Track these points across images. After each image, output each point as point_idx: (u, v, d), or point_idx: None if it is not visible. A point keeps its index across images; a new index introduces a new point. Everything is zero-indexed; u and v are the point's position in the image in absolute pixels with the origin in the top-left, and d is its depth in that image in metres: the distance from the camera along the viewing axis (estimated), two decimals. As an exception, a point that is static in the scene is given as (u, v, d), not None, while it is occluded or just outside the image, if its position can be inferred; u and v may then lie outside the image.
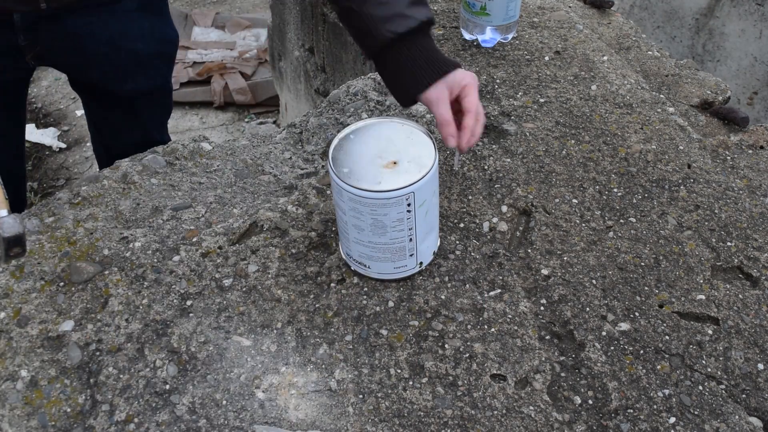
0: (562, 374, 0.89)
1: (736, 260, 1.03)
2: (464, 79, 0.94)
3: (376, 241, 0.90)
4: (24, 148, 1.46)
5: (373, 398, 0.85)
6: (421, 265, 0.97)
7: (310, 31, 2.03)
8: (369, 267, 0.95)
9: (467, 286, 0.98)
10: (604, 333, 0.93)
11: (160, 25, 1.33)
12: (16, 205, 1.41)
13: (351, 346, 0.91)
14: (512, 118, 1.25)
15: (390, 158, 0.88)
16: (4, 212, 0.76)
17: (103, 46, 1.25)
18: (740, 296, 0.99)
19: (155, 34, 1.32)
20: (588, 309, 0.96)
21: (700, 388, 0.88)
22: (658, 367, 0.90)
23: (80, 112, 3.34)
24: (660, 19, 2.71)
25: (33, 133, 3.18)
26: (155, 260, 1.00)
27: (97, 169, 1.23)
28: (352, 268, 0.98)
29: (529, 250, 1.03)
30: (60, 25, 1.17)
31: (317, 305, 0.95)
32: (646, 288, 0.99)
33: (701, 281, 1.00)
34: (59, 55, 1.25)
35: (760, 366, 0.90)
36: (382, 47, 0.92)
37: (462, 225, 1.07)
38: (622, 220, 1.08)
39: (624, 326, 0.94)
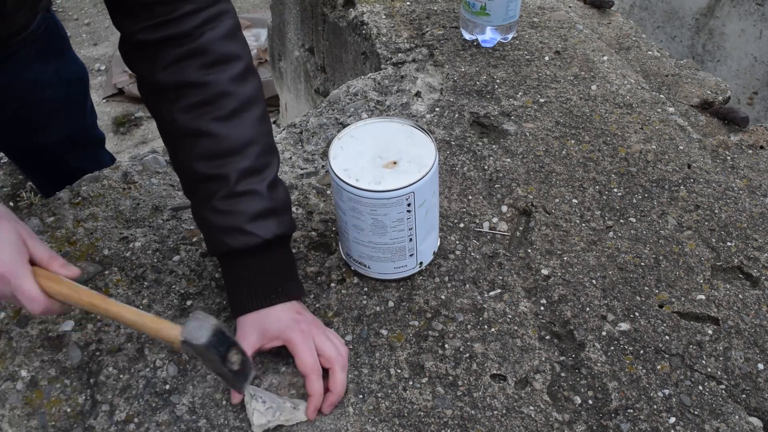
0: (562, 374, 0.89)
1: (736, 260, 1.03)
2: (285, 333, 0.82)
3: (376, 241, 0.90)
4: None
5: (373, 398, 0.85)
6: (421, 265, 0.97)
7: (310, 31, 2.03)
8: (369, 267, 0.95)
9: (467, 286, 0.98)
10: (604, 333, 0.93)
11: (64, 65, 1.25)
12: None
13: (351, 346, 0.91)
14: (512, 118, 1.25)
15: (390, 158, 0.88)
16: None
17: (12, 103, 1.18)
18: (740, 296, 0.98)
19: (62, 76, 1.24)
20: (588, 309, 0.96)
21: (700, 388, 0.88)
22: (658, 367, 0.90)
23: (80, 112, 3.34)
24: (660, 19, 2.71)
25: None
26: (155, 260, 1.00)
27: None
28: (352, 268, 0.98)
29: (529, 250, 1.03)
30: None
31: (317, 305, 0.95)
32: (646, 288, 0.99)
33: (701, 281, 1.00)
34: None
35: (760, 366, 0.90)
36: (217, 256, 0.87)
37: (462, 225, 1.07)
38: (622, 220, 1.08)
39: (624, 326, 0.94)
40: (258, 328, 0.83)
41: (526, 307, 0.96)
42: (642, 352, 0.91)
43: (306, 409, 0.82)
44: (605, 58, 1.41)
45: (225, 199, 0.81)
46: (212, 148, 0.81)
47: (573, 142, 1.21)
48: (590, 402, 0.86)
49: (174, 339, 0.74)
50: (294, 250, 1.02)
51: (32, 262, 0.76)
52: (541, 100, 1.29)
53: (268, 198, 0.83)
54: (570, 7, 1.68)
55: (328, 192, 1.11)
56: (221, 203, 0.81)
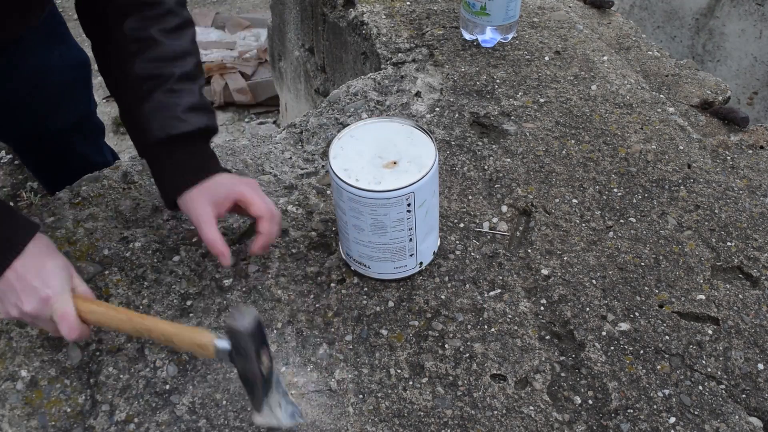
0: (562, 374, 0.89)
1: (736, 260, 1.03)
2: (234, 188, 0.91)
3: (376, 241, 0.90)
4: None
5: (373, 398, 0.85)
6: (421, 265, 0.97)
7: (310, 31, 2.03)
8: (369, 267, 0.95)
9: (467, 286, 0.98)
10: (604, 333, 0.93)
11: (67, 50, 1.29)
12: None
13: (351, 346, 0.91)
14: (512, 118, 1.25)
15: (390, 158, 0.88)
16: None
17: (22, 89, 1.21)
18: (740, 296, 0.98)
19: (66, 61, 1.28)
20: (588, 309, 0.96)
21: (700, 388, 0.88)
22: (658, 367, 0.90)
23: (80, 112, 3.33)
24: (660, 19, 2.71)
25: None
26: (155, 260, 1.00)
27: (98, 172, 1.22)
28: (352, 268, 0.98)
29: (529, 250, 1.03)
30: None
31: (317, 305, 0.95)
32: (646, 288, 0.99)
33: (701, 281, 1.00)
34: None
35: (760, 366, 0.90)
36: (152, 145, 0.92)
37: (462, 225, 1.07)
38: (622, 220, 1.08)
39: (624, 326, 0.94)
40: (207, 197, 0.90)
41: (526, 307, 0.96)
42: (642, 352, 0.91)
43: (252, 247, 0.92)
44: (605, 58, 1.41)
45: (164, 93, 0.91)
46: (157, 52, 0.92)
47: (573, 142, 1.21)
48: (590, 402, 0.86)
49: (207, 343, 0.76)
50: (294, 250, 1.02)
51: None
52: (541, 100, 1.29)
53: (199, 96, 0.94)
54: (570, 7, 1.68)
55: (328, 192, 1.11)
56: (161, 96, 0.90)
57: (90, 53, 1.30)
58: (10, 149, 1.46)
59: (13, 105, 1.23)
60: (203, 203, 0.89)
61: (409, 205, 0.87)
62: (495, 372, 0.89)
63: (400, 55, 1.41)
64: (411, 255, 0.94)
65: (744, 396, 0.88)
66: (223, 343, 0.75)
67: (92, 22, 0.96)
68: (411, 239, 0.91)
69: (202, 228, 0.88)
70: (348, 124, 1.15)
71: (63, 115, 1.33)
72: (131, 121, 0.94)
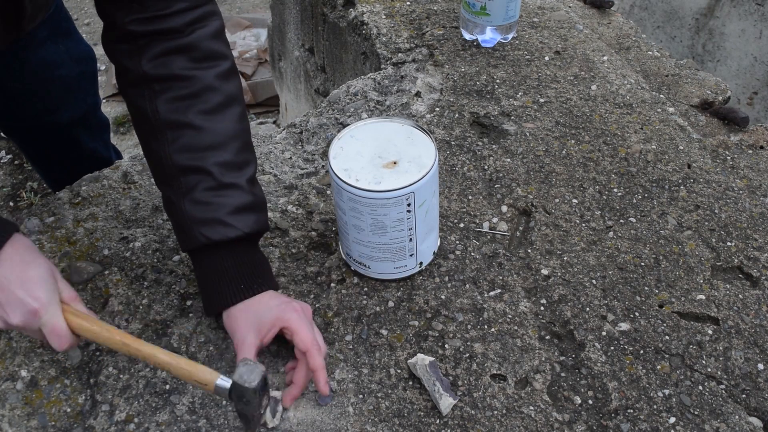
0: (562, 374, 0.89)
1: (736, 260, 1.03)
2: (283, 315, 0.81)
3: (376, 241, 0.90)
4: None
5: (373, 398, 0.85)
6: (421, 265, 0.97)
7: (310, 31, 2.03)
8: (369, 267, 0.95)
9: (467, 286, 0.98)
10: (604, 333, 0.93)
11: (74, 45, 1.29)
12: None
13: (351, 346, 0.91)
14: (512, 118, 1.25)
15: (390, 158, 0.88)
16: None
17: (30, 82, 1.21)
18: (740, 296, 0.98)
19: (73, 55, 1.28)
20: (588, 309, 0.96)
21: (700, 388, 0.88)
22: (658, 367, 0.90)
23: (80, 112, 3.33)
24: (660, 19, 2.71)
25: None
26: (155, 260, 1.00)
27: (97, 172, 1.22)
28: (352, 268, 0.98)
29: (529, 250, 1.03)
30: None
31: (317, 305, 0.95)
32: (646, 288, 0.99)
33: (701, 281, 1.00)
34: None
35: (760, 366, 0.90)
36: (192, 249, 0.85)
37: (462, 225, 1.07)
38: (622, 220, 1.08)
39: (624, 326, 0.94)
40: (252, 322, 0.82)
41: (526, 307, 0.96)
42: (642, 352, 0.91)
43: (317, 383, 0.81)
44: (605, 58, 1.41)
45: (207, 192, 0.82)
46: (195, 140, 0.82)
47: (573, 142, 1.21)
48: (590, 402, 0.86)
49: (208, 382, 0.75)
50: (294, 250, 1.02)
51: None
52: (541, 100, 1.29)
53: (249, 193, 0.84)
54: (570, 7, 1.68)
55: (328, 192, 1.11)
56: (202, 195, 0.82)
57: (95, 49, 1.31)
58: (17, 146, 1.46)
59: (20, 99, 1.24)
60: (246, 328, 0.81)
61: (409, 205, 0.86)
62: (495, 372, 0.89)
63: (400, 55, 1.41)
64: (411, 255, 0.94)
65: (744, 396, 0.88)
66: (224, 383, 0.74)
67: (129, 98, 0.87)
68: (411, 239, 0.91)
69: (241, 352, 0.80)
70: (348, 124, 1.15)
71: (70, 109, 1.33)
72: (172, 215, 0.86)
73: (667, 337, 0.93)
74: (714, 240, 1.06)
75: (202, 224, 0.82)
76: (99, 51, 1.18)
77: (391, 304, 0.96)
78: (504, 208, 1.09)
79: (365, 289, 0.97)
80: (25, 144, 1.44)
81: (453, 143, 1.20)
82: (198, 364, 0.77)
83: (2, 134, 3.12)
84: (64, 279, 0.80)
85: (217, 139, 0.83)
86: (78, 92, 1.33)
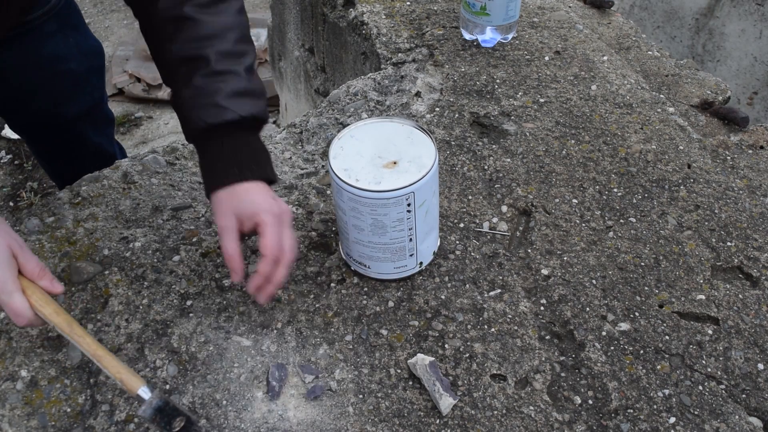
0: (562, 374, 0.89)
1: (736, 260, 1.03)
2: (259, 213, 0.83)
3: (376, 241, 0.90)
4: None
5: (373, 398, 0.85)
6: (421, 265, 0.97)
7: (310, 31, 2.03)
8: (369, 267, 0.95)
9: (467, 286, 0.98)
10: (604, 333, 0.93)
11: (83, 39, 1.30)
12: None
13: (351, 346, 0.91)
14: (512, 118, 1.25)
15: (390, 158, 0.88)
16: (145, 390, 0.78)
17: (38, 75, 1.22)
18: (740, 296, 0.98)
19: (82, 49, 1.29)
20: (588, 309, 0.96)
21: (700, 388, 0.88)
22: (658, 367, 0.90)
23: (80, 112, 3.34)
24: (660, 19, 2.71)
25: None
26: (155, 260, 1.00)
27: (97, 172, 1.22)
28: (352, 268, 0.98)
29: (529, 250, 1.03)
30: None
31: (317, 305, 0.95)
32: (646, 288, 0.99)
33: (701, 281, 1.00)
34: None
35: (760, 366, 0.90)
36: (194, 136, 0.87)
37: (462, 225, 1.07)
38: (622, 220, 1.08)
39: (624, 326, 0.94)
40: (233, 208, 0.84)
41: (526, 307, 0.96)
42: (642, 352, 0.91)
43: (249, 285, 0.86)
44: (605, 58, 1.41)
45: (204, 77, 0.84)
46: (193, 32, 0.85)
47: (573, 142, 1.21)
48: (590, 402, 0.86)
49: (132, 388, 0.77)
50: (294, 250, 1.02)
51: (22, 274, 0.79)
52: (541, 100, 1.29)
53: (245, 79, 0.86)
54: (570, 7, 1.68)
55: (328, 192, 1.11)
56: (200, 80, 0.84)
57: (104, 44, 1.30)
58: (24, 139, 1.46)
59: (28, 92, 1.25)
60: (227, 212, 0.84)
61: (409, 205, 0.86)
62: (495, 372, 0.89)
63: (400, 55, 1.41)
64: (411, 255, 0.94)
65: (744, 396, 0.88)
66: (146, 394, 0.77)
67: (133, 3, 0.91)
68: (411, 239, 0.91)
69: (222, 238, 0.84)
70: (348, 124, 1.15)
71: (77, 103, 1.34)
72: (177, 108, 0.89)
73: (667, 337, 0.93)
74: (714, 240, 1.06)
75: (200, 108, 0.84)
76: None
77: (391, 304, 0.96)
78: (504, 208, 1.09)
79: (365, 289, 0.97)
80: (31, 138, 1.45)
81: (453, 143, 1.20)
82: (128, 370, 0.78)
83: (7, 132, 3.12)
84: (29, 251, 0.80)
85: (215, 30, 0.86)
86: (86, 86, 1.34)
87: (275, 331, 0.92)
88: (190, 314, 0.94)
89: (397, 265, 0.95)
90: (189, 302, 0.95)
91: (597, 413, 0.85)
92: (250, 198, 0.85)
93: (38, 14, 1.15)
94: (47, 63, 1.22)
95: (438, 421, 0.83)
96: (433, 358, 0.87)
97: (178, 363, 0.88)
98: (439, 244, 1.02)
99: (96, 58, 1.35)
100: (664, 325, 0.94)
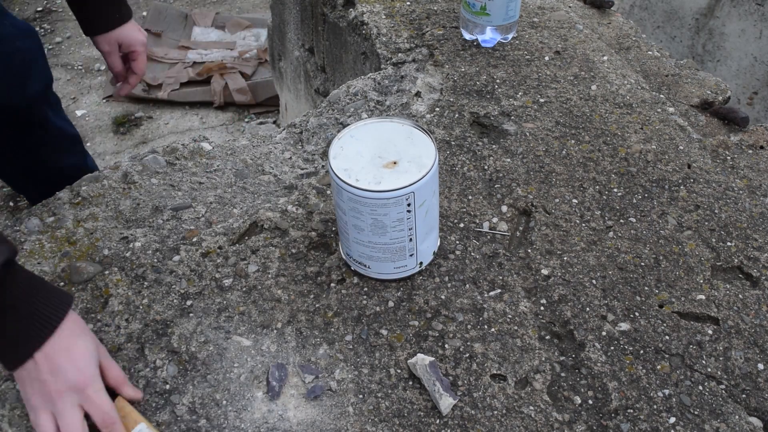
0: (562, 374, 0.89)
1: (736, 260, 1.03)
2: (136, 44, 1.14)
3: (376, 241, 0.90)
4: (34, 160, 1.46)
5: (373, 398, 0.85)
6: (421, 265, 0.97)
7: (310, 31, 2.03)
8: (369, 267, 0.95)
9: (467, 286, 0.98)
10: (604, 333, 0.93)
11: (15, 21, 1.33)
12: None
13: (351, 346, 0.91)
14: (512, 118, 1.25)
15: (390, 158, 0.88)
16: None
17: None
18: (740, 296, 0.99)
19: (20, 28, 1.33)
20: (588, 309, 0.96)
21: (700, 388, 0.88)
22: (658, 367, 0.90)
23: (80, 112, 3.34)
24: (660, 19, 2.71)
25: (33, 133, 3.18)
26: (155, 260, 1.00)
27: (98, 171, 1.22)
28: (352, 268, 0.98)
29: (529, 250, 1.03)
30: None
31: (317, 305, 0.95)
32: (646, 288, 0.99)
33: (701, 281, 1.00)
34: None
35: (760, 366, 0.90)
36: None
37: (462, 225, 1.07)
38: (622, 220, 1.08)
39: (624, 326, 0.94)
40: (117, 41, 1.07)
41: (526, 307, 0.96)
42: (642, 352, 0.91)
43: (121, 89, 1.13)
44: (605, 58, 1.41)
45: None
46: None
47: (573, 142, 1.21)
48: (590, 402, 0.86)
49: None
50: (294, 250, 1.02)
51: (105, 381, 0.80)
52: (541, 100, 1.29)
53: None
54: (570, 7, 1.68)
55: (328, 192, 1.11)
56: None
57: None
58: None
59: None
60: (113, 42, 1.07)
61: (409, 205, 0.86)
62: (495, 372, 0.89)
63: (400, 55, 1.41)
64: (411, 255, 0.94)
65: (744, 396, 0.88)
66: None
67: None
68: (411, 239, 0.91)
69: (110, 57, 1.06)
70: (348, 124, 1.15)
71: (34, 82, 1.38)
72: None
73: (667, 337, 0.93)
74: (714, 240, 1.06)
75: None
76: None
77: (391, 304, 0.96)
78: (504, 208, 1.09)
79: (365, 289, 0.97)
80: (6, 143, 1.44)
81: (453, 143, 1.20)
82: None
83: None
84: (112, 359, 0.82)
85: None
86: (36, 64, 1.38)
87: (275, 331, 0.92)
88: (190, 314, 0.94)
89: (397, 265, 0.95)
90: (189, 302, 0.95)
91: (597, 413, 0.85)
92: (129, 31, 1.25)
93: None
94: None
95: (438, 421, 0.83)
96: (433, 358, 0.87)
97: (178, 363, 0.88)
98: (439, 243, 1.02)
99: (35, 38, 1.38)
100: (664, 325, 0.94)
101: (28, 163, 1.42)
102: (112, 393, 0.82)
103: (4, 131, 1.41)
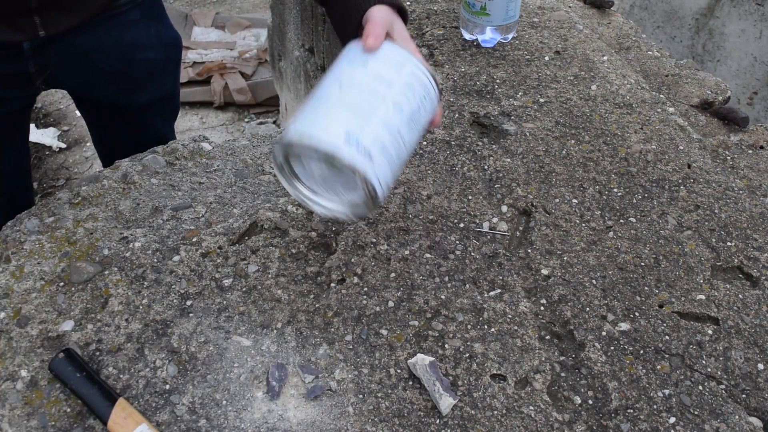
0: (562, 374, 0.89)
1: (736, 260, 1.03)
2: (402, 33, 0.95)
3: (405, 133, 0.81)
4: (27, 170, 1.46)
5: (373, 398, 0.85)
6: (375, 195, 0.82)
7: (310, 31, 2.03)
8: (374, 160, 0.79)
9: (467, 286, 0.98)
10: (604, 333, 0.93)
11: (164, 30, 1.33)
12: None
13: (351, 346, 0.91)
14: (512, 118, 1.25)
15: None
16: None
17: (117, 61, 1.25)
18: (740, 296, 0.99)
19: (162, 39, 1.33)
20: (588, 309, 0.96)
21: (700, 388, 0.88)
22: (658, 367, 0.90)
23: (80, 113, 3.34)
24: (660, 19, 2.71)
25: (33, 133, 3.18)
26: (155, 260, 1.00)
27: (98, 170, 1.23)
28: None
29: (529, 250, 1.03)
30: (69, 46, 1.17)
31: (317, 305, 0.95)
32: (646, 288, 0.99)
33: (701, 281, 1.00)
34: (71, 77, 1.25)
35: (760, 366, 0.90)
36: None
37: (462, 225, 1.07)
38: (622, 220, 1.08)
39: (624, 326, 0.94)
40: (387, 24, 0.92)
41: (526, 307, 0.96)
42: (642, 352, 0.91)
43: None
44: (605, 58, 1.41)
45: None
46: None
47: (573, 142, 1.21)
48: (590, 402, 0.86)
49: None
50: (294, 250, 1.02)
51: None
52: (541, 100, 1.29)
53: None
54: (570, 7, 1.68)
55: (328, 192, 1.11)
56: None
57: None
58: (86, 121, 1.49)
59: (105, 77, 1.27)
60: (386, 19, 0.92)
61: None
62: (495, 372, 0.89)
63: (400, 55, 1.41)
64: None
65: (744, 396, 0.88)
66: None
67: None
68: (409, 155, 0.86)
69: (375, 27, 0.90)
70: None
71: (149, 92, 1.37)
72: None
73: (667, 337, 0.93)
74: (714, 240, 1.06)
75: None
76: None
77: (391, 304, 0.96)
78: (504, 208, 1.09)
79: (365, 289, 0.97)
80: (97, 122, 1.47)
81: (453, 143, 1.20)
82: None
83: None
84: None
85: None
86: (160, 77, 1.37)
87: (275, 331, 0.92)
88: (190, 314, 0.94)
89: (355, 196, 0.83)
90: (189, 302, 0.95)
91: (597, 413, 0.85)
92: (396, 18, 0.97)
93: (125, 1, 1.20)
94: (128, 50, 1.25)
95: (438, 421, 0.83)
96: (433, 358, 0.87)
97: (178, 363, 0.88)
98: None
99: (174, 50, 1.38)
100: (664, 325, 0.94)
101: (120, 154, 1.43)
102: (112, 393, 0.82)
103: (110, 125, 1.45)
